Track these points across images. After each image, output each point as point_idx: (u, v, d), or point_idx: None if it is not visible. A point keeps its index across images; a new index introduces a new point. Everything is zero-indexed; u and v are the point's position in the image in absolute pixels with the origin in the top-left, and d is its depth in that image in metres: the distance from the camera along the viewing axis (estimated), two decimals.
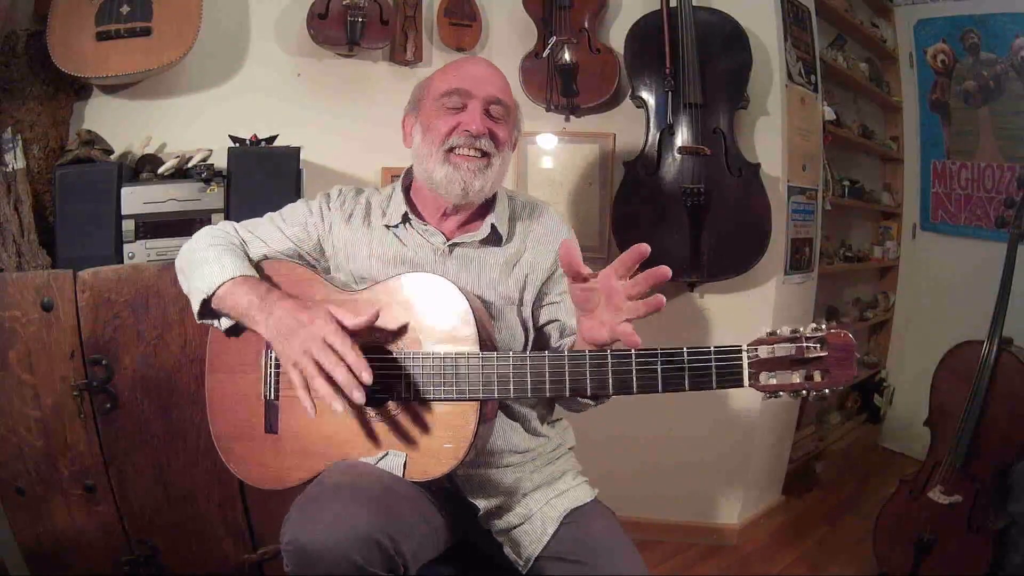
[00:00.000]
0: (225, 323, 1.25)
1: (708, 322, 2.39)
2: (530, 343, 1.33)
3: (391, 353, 1.17)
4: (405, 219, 1.35)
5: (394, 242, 1.34)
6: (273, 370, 1.24)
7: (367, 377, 1.06)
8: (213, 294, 1.22)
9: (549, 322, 1.34)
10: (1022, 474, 1.98)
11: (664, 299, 0.97)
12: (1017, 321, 2.03)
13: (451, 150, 1.28)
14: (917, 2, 3.29)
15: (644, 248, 0.97)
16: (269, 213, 1.40)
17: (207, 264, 1.24)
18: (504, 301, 1.30)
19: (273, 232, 1.35)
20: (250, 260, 1.29)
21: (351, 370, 1.06)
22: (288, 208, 1.41)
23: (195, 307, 1.25)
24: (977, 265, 2.93)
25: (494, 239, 1.33)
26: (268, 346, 1.23)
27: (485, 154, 1.29)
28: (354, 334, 1.11)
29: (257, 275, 1.25)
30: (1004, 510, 1.98)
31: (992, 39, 3.02)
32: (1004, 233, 2.11)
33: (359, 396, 1.06)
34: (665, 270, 0.96)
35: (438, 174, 1.28)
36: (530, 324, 1.33)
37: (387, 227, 1.35)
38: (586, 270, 1.03)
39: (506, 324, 1.29)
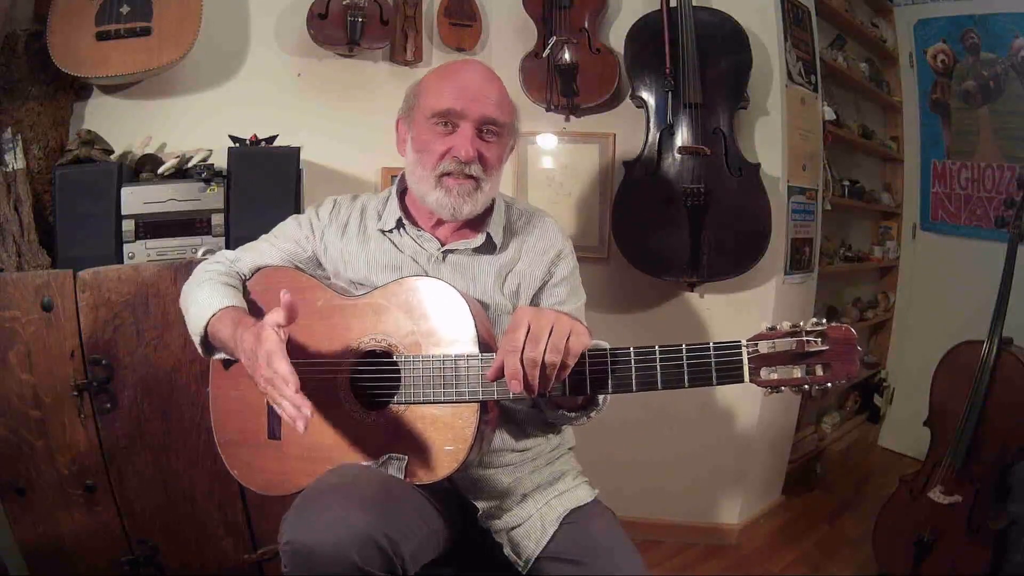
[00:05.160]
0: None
1: (708, 322, 2.39)
2: None
3: (391, 356, 1.17)
4: (399, 224, 1.35)
5: (389, 247, 1.34)
6: None
7: (306, 411, 1.03)
8: (205, 335, 1.24)
9: None
10: (1022, 474, 1.98)
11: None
12: (1017, 321, 2.03)
13: (444, 174, 1.27)
14: (917, 2, 3.29)
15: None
16: (263, 235, 1.42)
17: (196, 305, 1.26)
18: (498, 309, 1.30)
19: (268, 248, 1.37)
20: (240, 277, 1.33)
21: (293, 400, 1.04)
22: (279, 226, 1.43)
23: (198, 349, 1.27)
24: (977, 265, 2.93)
25: (488, 247, 1.34)
26: None
27: (474, 177, 1.28)
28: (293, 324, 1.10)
29: (237, 301, 1.26)
30: (1004, 510, 1.98)
31: (992, 39, 3.02)
32: (1004, 233, 2.11)
33: (301, 427, 1.03)
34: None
35: (430, 197, 1.28)
36: None
37: (382, 232, 1.35)
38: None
39: (501, 332, 1.29)
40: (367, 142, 2.28)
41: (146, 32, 1.90)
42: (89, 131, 1.93)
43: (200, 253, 1.85)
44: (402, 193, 1.39)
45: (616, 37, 2.31)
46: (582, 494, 1.30)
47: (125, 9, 1.89)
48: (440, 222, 1.35)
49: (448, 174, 1.27)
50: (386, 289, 1.21)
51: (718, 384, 1.03)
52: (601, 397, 1.15)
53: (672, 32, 2.10)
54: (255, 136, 2.02)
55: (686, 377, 1.03)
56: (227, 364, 1.30)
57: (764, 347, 1.00)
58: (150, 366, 1.71)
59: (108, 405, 1.70)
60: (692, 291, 2.32)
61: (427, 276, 1.25)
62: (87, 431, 1.69)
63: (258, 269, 1.34)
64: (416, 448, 1.14)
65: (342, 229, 1.37)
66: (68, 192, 1.80)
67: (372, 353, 1.19)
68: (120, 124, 2.04)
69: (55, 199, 1.82)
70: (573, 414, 1.19)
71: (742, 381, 1.02)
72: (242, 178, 1.92)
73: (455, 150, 1.26)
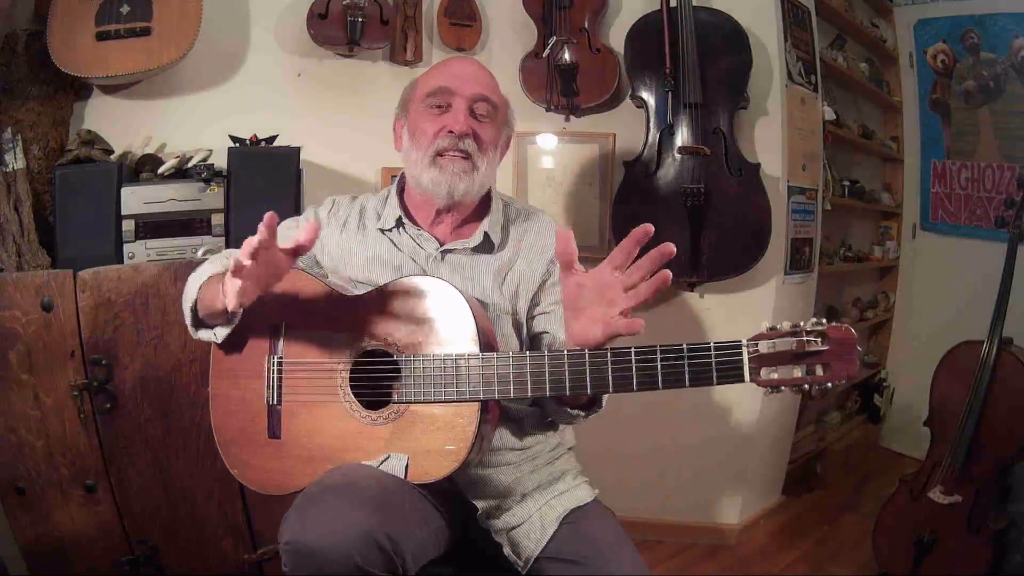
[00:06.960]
0: (221, 332, 1.24)
1: (708, 322, 2.39)
2: (525, 350, 1.33)
3: (391, 355, 1.17)
4: (399, 223, 1.35)
5: (389, 246, 1.35)
6: (276, 375, 1.24)
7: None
8: (195, 304, 1.23)
9: (540, 333, 1.34)
10: (1022, 474, 1.98)
11: (669, 274, 0.96)
12: (1017, 321, 2.03)
13: (438, 153, 1.29)
14: (917, 2, 3.29)
15: (648, 228, 0.96)
16: None
17: (190, 285, 1.27)
18: (497, 309, 1.30)
19: None
20: None
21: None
22: (279, 226, 1.42)
23: (187, 321, 1.26)
24: (977, 265, 2.93)
25: (486, 246, 1.34)
26: (271, 350, 1.24)
27: (468, 155, 1.29)
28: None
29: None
30: (1004, 510, 1.98)
31: (992, 39, 3.02)
32: (1004, 233, 2.11)
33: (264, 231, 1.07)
34: (670, 246, 0.96)
35: (425, 177, 1.29)
36: (524, 332, 1.34)
37: (381, 231, 1.35)
38: (580, 267, 1.03)
39: (500, 332, 1.30)
40: (367, 142, 2.28)
41: (146, 32, 1.90)
42: (89, 131, 1.94)
43: (200, 253, 1.85)
44: (401, 192, 1.39)
45: (616, 37, 2.31)
46: (582, 494, 1.30)
47: (125, 9, 1.89)
48: (439, 220, 1.35)
49: (442, 153, 1.28)
50: (386, 288, 1.20)
51: (718, 384, 1.03)
52: (603, 396, 1.15)
53: (672, 32, 2.11)
54: (255, 136, 2.02)
55: (687, 377, 1.02)
56: (224, 347, 1.28)
57: (764, 347, 1.00)
58: (150, 366, 1.71)
59: (108, 405, 1.70)
60: (692, 291, 2.31)
61: (427, 275, 1.25)
62: (87, 431, 1.69)
63: None
64: (416, 447, 1.14)
65: (341, 227, 1.38)
66: (68, 192, 1.80)
67: (372, 352, 1.19)
68: (120, 124, 2.04)
69: (55, 199, 1.82)
70: (575, 411, 1.19)
71: (742, 381, 1.01)
72: (242, 178, 1.92)
73: (449, 125, 1.28)
